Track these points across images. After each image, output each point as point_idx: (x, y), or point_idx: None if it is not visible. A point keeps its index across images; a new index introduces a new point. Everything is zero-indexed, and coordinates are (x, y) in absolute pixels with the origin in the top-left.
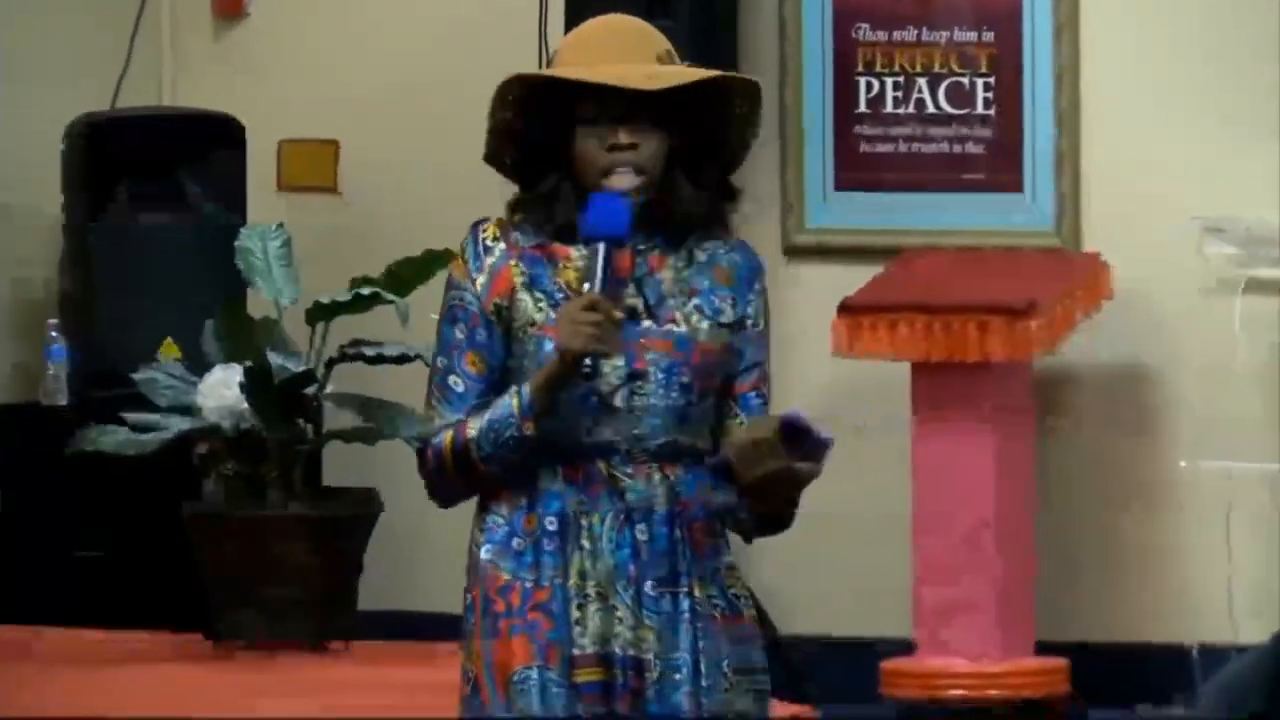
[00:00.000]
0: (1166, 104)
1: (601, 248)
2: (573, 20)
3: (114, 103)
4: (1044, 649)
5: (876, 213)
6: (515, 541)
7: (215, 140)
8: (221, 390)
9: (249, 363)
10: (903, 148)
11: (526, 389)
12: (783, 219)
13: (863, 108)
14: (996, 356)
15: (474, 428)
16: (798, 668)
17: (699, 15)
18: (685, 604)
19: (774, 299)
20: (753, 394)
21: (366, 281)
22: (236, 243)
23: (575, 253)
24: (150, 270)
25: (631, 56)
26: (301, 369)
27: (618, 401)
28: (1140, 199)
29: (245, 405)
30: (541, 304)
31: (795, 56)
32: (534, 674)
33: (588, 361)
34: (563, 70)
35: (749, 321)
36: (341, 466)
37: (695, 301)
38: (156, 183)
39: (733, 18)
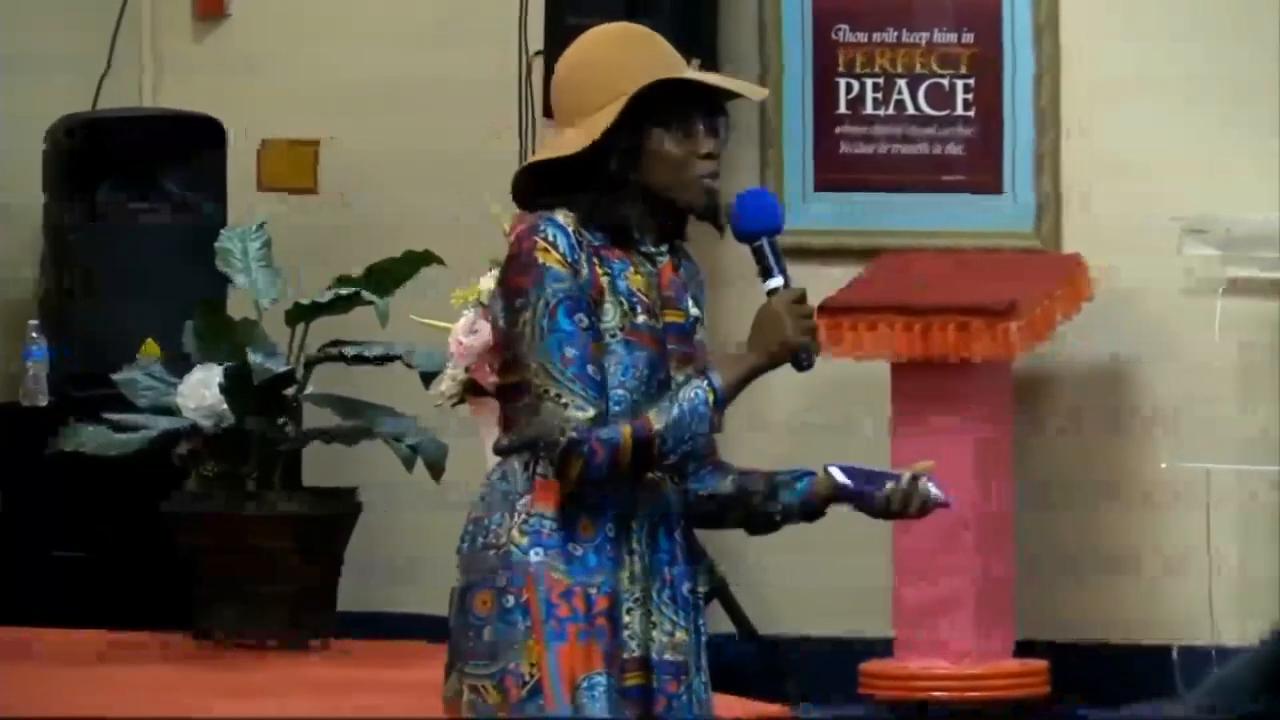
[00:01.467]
0: (1146, 105)
1: (768, 242)
2: (552, 21)
3: (95, 103)
4: (1023, 649)
5: (857, 213)
6: (571, 546)
7: (196, 140)
8: (202, 390)
9: (229, 363)
10: (883, 149)
11: (718, 383)
12: None
13: (843, 109)
14: (976, 357)
15: (660, 421)
16: (778, 667)
17: (680, 16)
18: (692, 603)
19: (753, 299)
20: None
21: (347, 282)
22: (217, 243)
23: (636, 257)
24: (131, 270)
25: (685, 66)
26: (282, 369)
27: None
28: (1120, 200)
29: (225, 405)
30: (621, 308)
31: (775, 58)
32: (603, 680)
33: (805, 356)
34: (683, 73)
35: (701, 323)
36: (321, 466)
37: (689, 299)
38: (138, 183)
39: (713, 18)
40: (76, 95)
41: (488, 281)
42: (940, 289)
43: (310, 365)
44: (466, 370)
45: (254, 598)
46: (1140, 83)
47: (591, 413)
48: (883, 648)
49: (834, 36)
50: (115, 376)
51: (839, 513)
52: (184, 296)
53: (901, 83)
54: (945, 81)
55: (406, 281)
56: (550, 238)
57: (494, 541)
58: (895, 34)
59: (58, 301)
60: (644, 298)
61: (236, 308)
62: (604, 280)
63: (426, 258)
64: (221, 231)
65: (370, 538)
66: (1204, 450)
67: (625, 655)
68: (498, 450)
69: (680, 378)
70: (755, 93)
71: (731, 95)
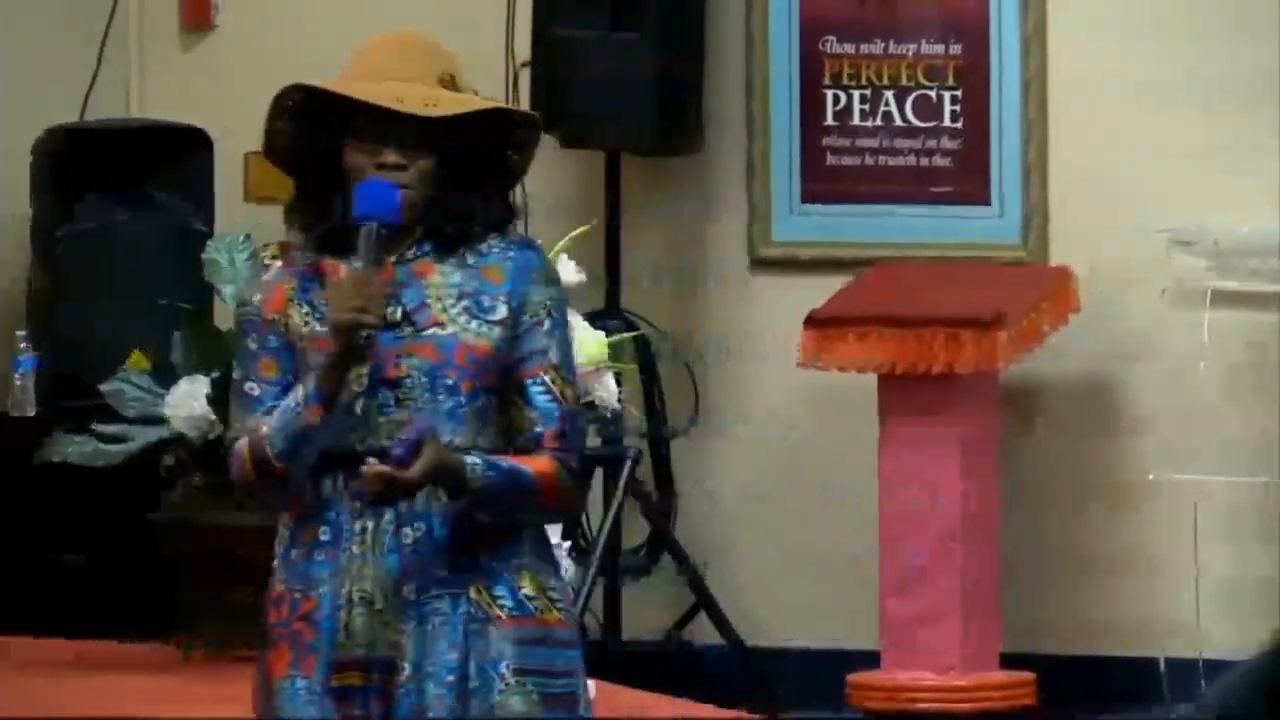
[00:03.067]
0: (1134, 116)
1: (371, 228)
2: (540, 32)
3: (83, 114)
4: (1010, 661)
5: (844, 225)
6: (293, 553)
7: (183, 151)
8: (189, 401)
9: (216, 373)
10: (870, 160)
11: (310, 378)
12: (749, 231)
13: (830, 120)
14: (964, 368)
15: (267, 425)
16: (763, 678)
17: (666, 28)
18: (462, 605)
19: (741, 311)
20: (531, 381)
21: None
22: (204, 254)
23: (345, 268)
24: (118, 280)
25: (414, 76)
26: None
27: (382, 409)
28: (1108, 211)
29: (213, 416)
30: (309, 317)
31: (762, 69)
32: (293, 682)
33: (364, 334)
34: (342, 85)
35: (526, 314)
36: None
37: (464, 303)
38: (125, 193)
39: (700, 30)
40: (64, 106)
41: None
42: (927, 300)
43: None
44: None
45: (239, 608)
46: (1128, 94)
47: (243, 425)
48: (870, 659)
49: (821, 48)
50: (103, 386)
51: (828, 526)
52: (171, 306)
53: (889, 94)
54: (932, 93)
55: None
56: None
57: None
58: (882, 45)
59: (45, 311)
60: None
61: (223, 318)
62: (289, 294)
63: None
64: (208, 242)
65: None
66: (1191, 461)
67: (339, 656)
68: None
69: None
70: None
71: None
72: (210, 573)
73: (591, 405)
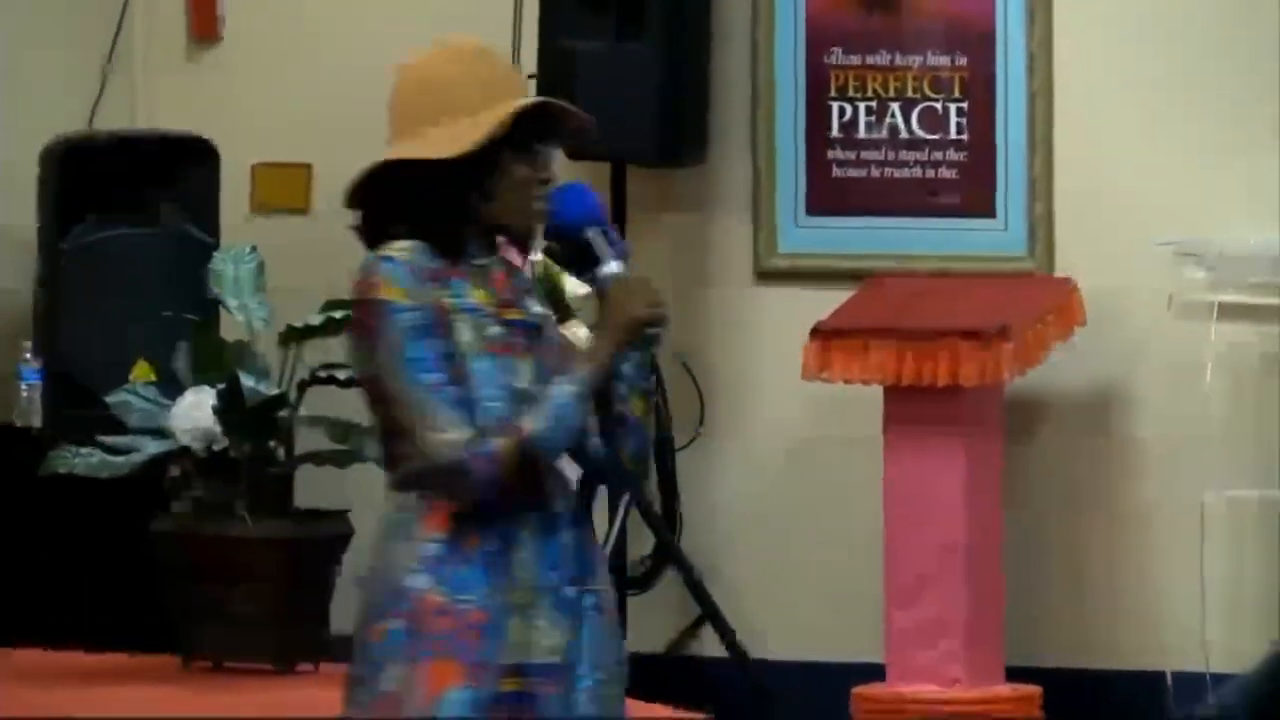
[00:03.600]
0: (1139, 128)
1: (602, 230)
2: (545, 44)
3: (90, 125)
4: (1014, 674)
5: (849, 237)
6: (452, 565)
7: (189, 162)
8: (194, 413)
9: (221, 385)
10: (875, 172)
11: (580, 374)
12: (755, 243)
13: (835, 132)
14: (968, 381)
15: (532, 424)
16: (767, 691)
17: (672, 39)
18: (589, 600)
19: (746, 322)
20: None
21: (338, 304)
22: (210, 265)
23: (468, 271)
24: (124, 292)
25: (522, 88)
26: (274, 392)
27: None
28: (1113, 223)
29: (218, 428)
30: (468, 323)
31: (768, 80)
32: (462, 693)
33: (656, 329)
34: (526, 102)
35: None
36: (313, 489)
37: (536, 307)
38: (131, 204)
39: (706, 42)
40: (71, 116)
41: None
42: (932, 313)
43: (302, 388)
44: None
45: (243, 620)
46: (1134, 107)
47: (466, 431)
48: (874, 672)
49: (826, 60)
50: (108, 398)
51: (833, 538)
52: (176, 318)
53: (894, 106)
54: (938, 105)
55: None
56: (386, 274)
57: (389, 573)
58: (888, 57)
59: (51, 322)
60: (489, 309)
61: (228, 329)
62: (448, 302)
63: None
64: (214, 254)
65: (362, 561)
66: (1197, 474)
67: (501, 663)
68: (390, 487)
69: (527, 369)
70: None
71: (573, 129)
72: (212, 584)
73: None
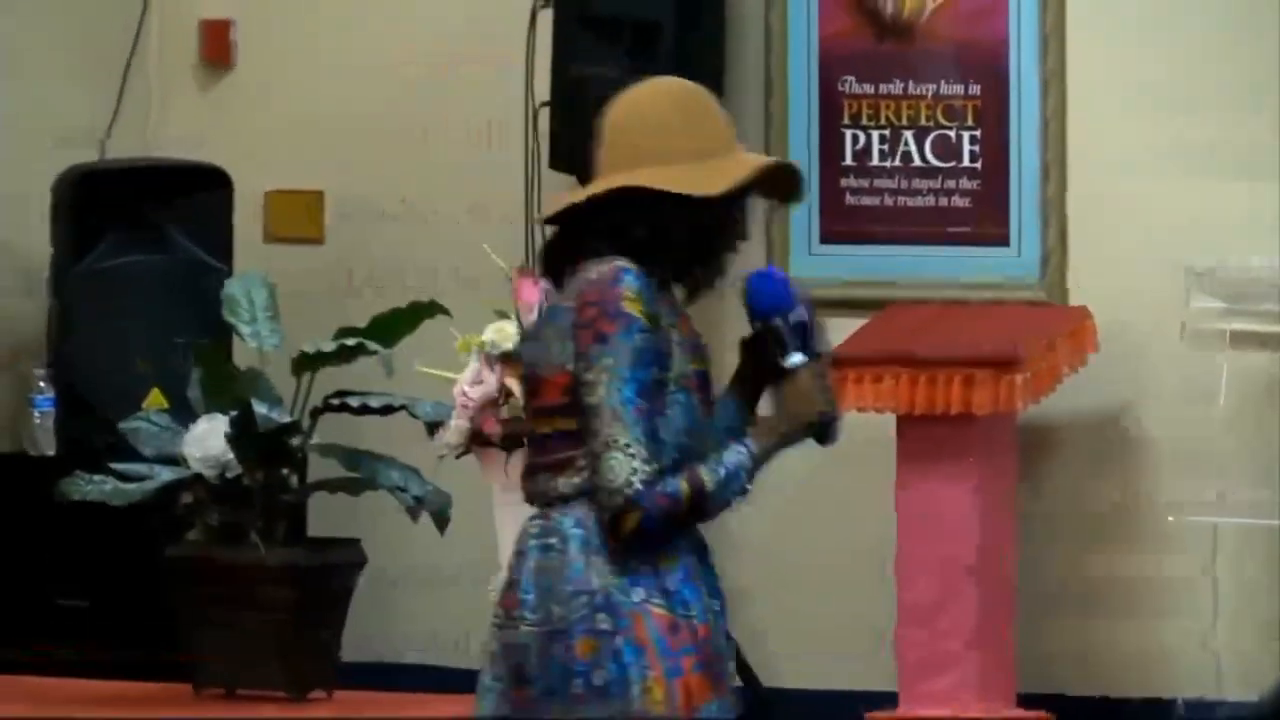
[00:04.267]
0: (1152, 157)
1: (793, 322)
2: (558, 71)
3: (102, 153)
4: (1026, 700)
5: (862, 265)
6: (664, 580)
7: (202, 190)
8: (207, 440)
9: (234, 413)
10: (888, 200)
11: (754, 447)
12: None
13: (849, 160)
14: (981, 409)
15: (711, 480)
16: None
17: (684, 66)
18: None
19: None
20: None
21: (350, 332)
22: (223, 292)
23: (673, 305)
24: (137, 319)
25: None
26: (286, 419)
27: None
28: (1126, 251)
29: (230, 455)
30: (681, 356)
31: (781, 108)
32: (715, 706)
33: (831, 430)
34: (773, 161)
35: None
36: (326, 517)
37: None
38: (144, 232)
39: (719, 69)
40: (83, 145)
41: (492, 332)
42: (945, 341)
43: (315, 415)
44: (471, 421)
45: (256, 648)
46: (1147, 134)
47: (653, 465)
48: (887, 700)
49: (840, 88)
50: (121, 425)
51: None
52: (189, 345)
53: (908, 134)
54: (951, 133)
55: (411, 332)
56: (635, 289)
57: (585, 588)
58: (901, 85)
59: (64, 349)
60: (690, 345)
61: (241, 357)
62: (672, 334)
63: (431, 308)
64: (227, 281)
65: (375, 588)
66: (1209, 502)
67: (723, 674)
68: (551, 495)
69: (702, 412)
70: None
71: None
72: (225, 611)
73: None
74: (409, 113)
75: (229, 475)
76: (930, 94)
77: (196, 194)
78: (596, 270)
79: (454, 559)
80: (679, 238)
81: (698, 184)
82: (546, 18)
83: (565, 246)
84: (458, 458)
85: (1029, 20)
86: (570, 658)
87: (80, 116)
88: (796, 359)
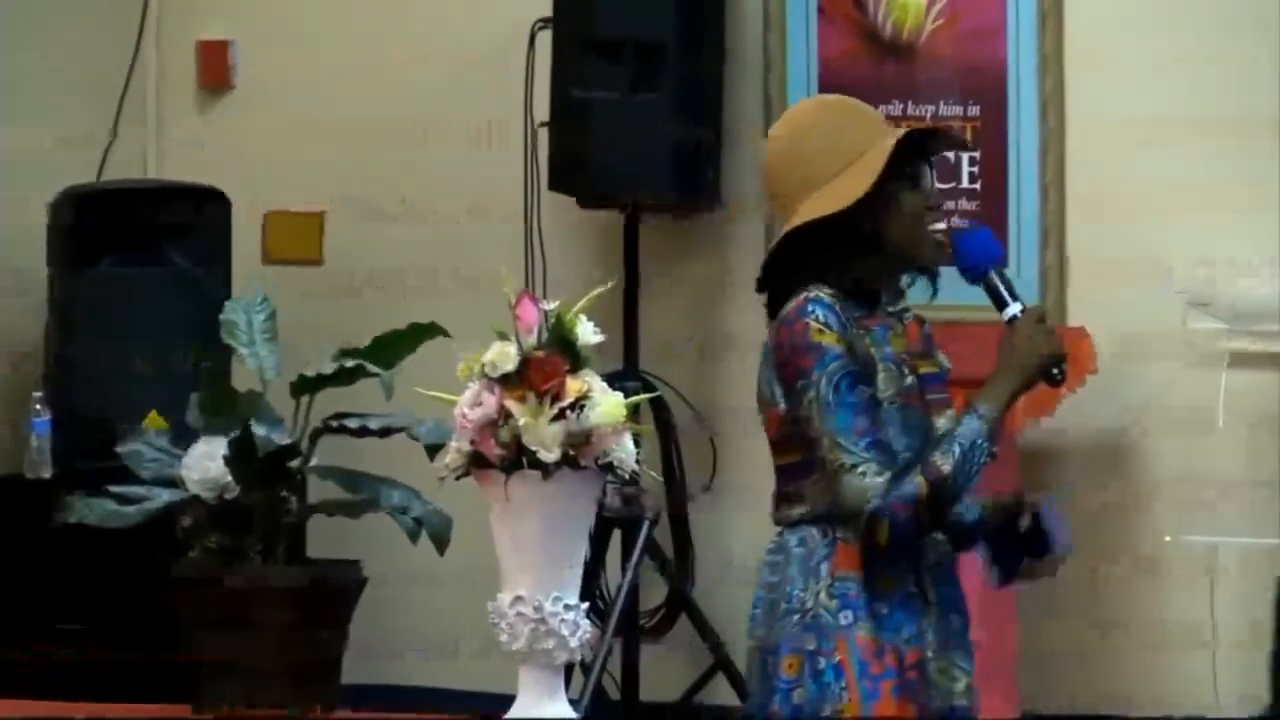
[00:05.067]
0: (1152, 177)
1: (996, 274)
2: (558, 93)
3: (100, 174)
4: None
5: None
6: (877, 605)
7: (201, 212)
8: (206, 463)
9: (233, 435)
10: None
11: (986, 409)
12: None
13: None
14: None
15: (946, 463)
16: None
17: (684, 90)
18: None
19: (757, 371)
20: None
21: (350, 354)
22: (222, 315)
23: (886, 319)
24: (136, 342)
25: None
26: (286, 441)
27: None
28: (1125, 272)
29: (229, 478)
30: (891, 374)
31: None
32: None
33: (1057, 371)
34: (899, 131)
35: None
36: (326, 538)
37: (943, 359)
38: (142, 254)
39: (718, 91)
40: (81, 166)
41: (492, 354)
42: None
43: (314, 437)
44: (471, 443)
45: (257, 671)
46: (1147, 156)
47: (885, 476)
48: None
49: None
50: (119, 448)
51: None
52: (188, 367)
53: None
54: (950, 154)
55: (411, 353)
56: (821, 318)
57: (798, 607)
58: (900, 107)
59: (62, 373)
60: (907, 359)
61: (241, 379)
62: (871, 350)
63: (431, 330)
64: (226, 303)
65: (375, 610)
66: (1208, 522)
67: (935, 705)
68: (784, 522)
69: (942, 421)
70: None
71: (951, 143)
72: (225, 633)
73: (610, 467)
74: (408, 134)
75: (228, 497)
76: (930, 115)
77: (195, 215)
78: (788, 308)
79: (455, 580)
80: (853, 249)
81: (840, 197)
82: (546, 39)
83: (773, 289)
84: (458, 479)
85: (1028, 42)
86: (776, 674)
87: (79, 137)
88: (1015, 308)
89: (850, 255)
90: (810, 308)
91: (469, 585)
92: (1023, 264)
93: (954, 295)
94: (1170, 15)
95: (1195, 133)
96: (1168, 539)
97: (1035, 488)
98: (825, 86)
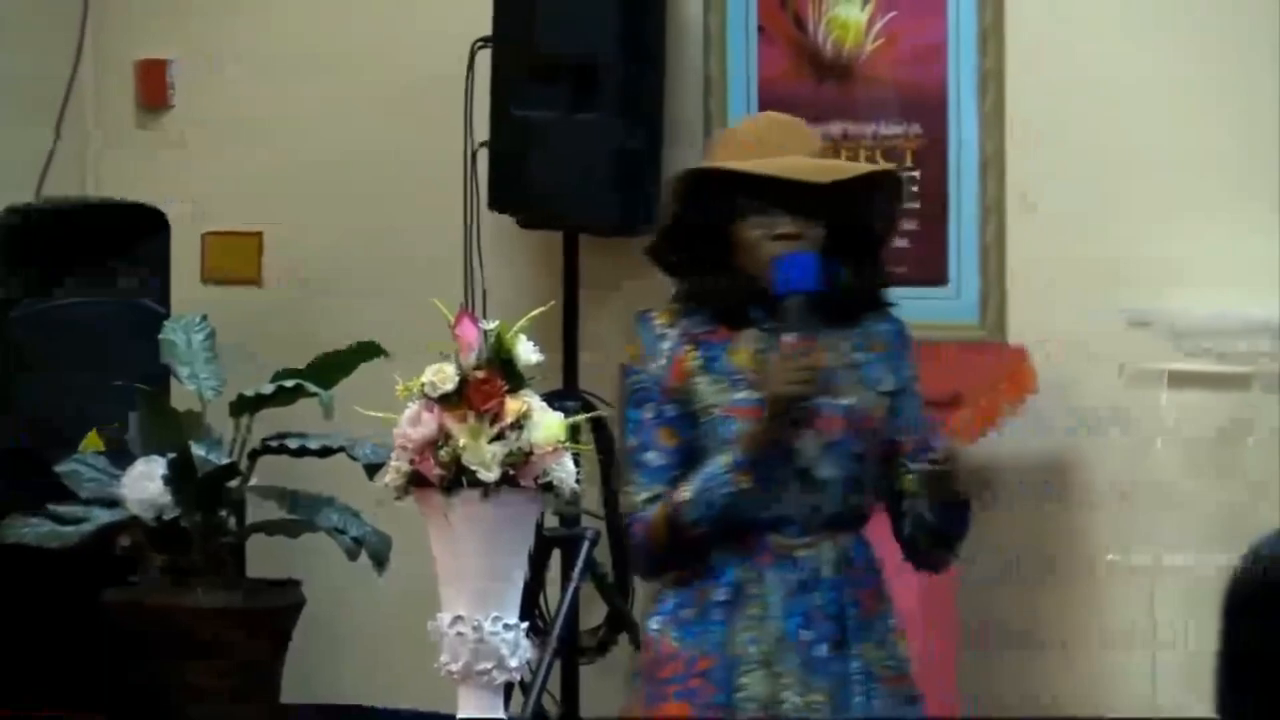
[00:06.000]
0: (1091, 197)
1: (799, 302)
2: (498, 112)
3: (38, 193)
4: None
5: None
6: (683, 612)
7: (140, 231)
8: (145, 483)
9: (173, 455)
10: None
11: (735, 446)
12: None
13: None
14: None
15: (687, 491)
16: None
17: (623, 108)
18: (855, 665)
19: None
20: (922, 450)
21: (289, 374)
22: (161, 334)
23: (743, 334)
24: (74, 361)
25: (794, 149)
26: (225, 461)
27: (787, 478)
28: (1065, 291)
29: (168, 498)
30: (719, 386)
31: None
32: None
33: (803, 405)
34: (737, 163)
35: (906, 386)
36: (266, 557)
37: (858, 374)
38: (82, 273)
39: (659, 111)
40: (19, 185)
41: (431, 374)
42: None
43: (253, 457)
44: (411, 463)
45: (196, 691)
46: (1086, 176)
47: (641, 495)
48: None
49: None
50: (58, 467)
51: None
52: (127, 388)
53: None
54: None
55: (350, 373)
56: (636, 333)
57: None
58: (841, 126)
59: (3, 392)
60: (751, 374)
61: (180, 399)
62: (693, 364)
63: (370, 349)
64: (165, 323)
65: (314, 630)
66: (1149, 541)
67: (741, 716)
68: None
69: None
70: (819, 176)
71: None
72: (165, 654)
73: (549, 487)
74: (347, 154)
75: (166, 518)
76: (870, 135)
77: (134, 235)
78: None
79: (394, 600)
80: (691, 267)
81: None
82: (486, 59)
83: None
84: (397, 499)
85: (968, 61)
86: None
87: (16, 157)
88: (785, 339)
89: (690, 271)
90: (635, 325)
91: (408, 605)
92: (963, 283)
93: (898, 314)
94: (1111, 34)
95: (1137, 154)
96: (1109, 557)
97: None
98: (765, 105)
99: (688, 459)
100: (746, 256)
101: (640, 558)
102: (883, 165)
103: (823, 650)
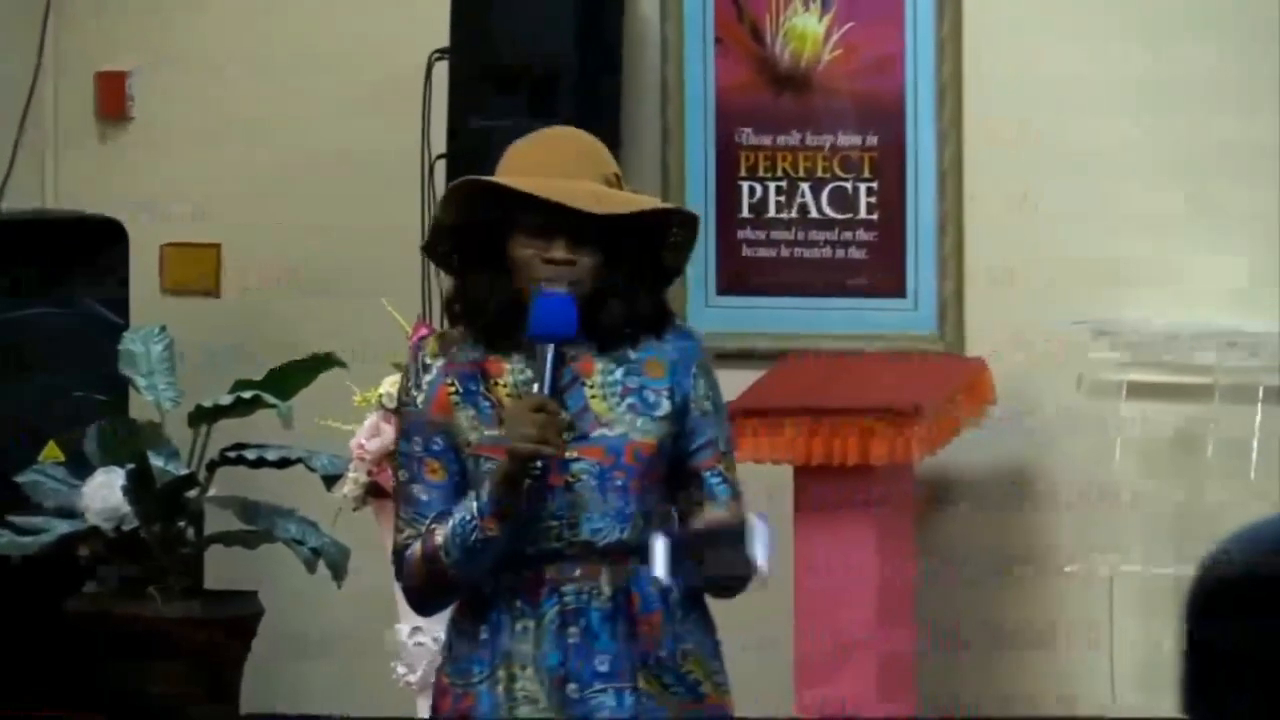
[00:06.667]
0: (1050, 208)
1: (550, 349)
2: (455, 124)
3: None
4: None
5: (759, 317)
6: (456, 647)
7: (99, 242)
8: (104, 493)
9: (131, 465)
10: (785, 252)
11: (484, 490)
12: None
13: (745, 212)
14: (879, 460)
15: (440, 534)
16: None
17: (581, 117)
18: (628, 699)
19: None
20: (709, 472)
21: (247, 385)
22: (120, 345)
23: (509, 367)
24: (33, 372)
25: (579, 173)
26: (183, 472)
27: (554, 514)
28: (1023, 302)
29: (127, 508)
30: (475, 422)
31: (678, 160)
32: None
33: (537, 463)
34: (512, 179)
35: (692, 404)
36: (222, 569)
37: (629, 401)
38: (40, 284)
39: (615, 120)
40: None
41: (388, 385)
42: (842, 392)
43: (212, 468)
44: (369, 473)
45: (155, 701)
46: (1044, 185)
47: (407, 532)
48: None
49: (737, 140)
50: (18, 478)
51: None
52: (86, 399)
53: (804, 186)
54: (848, 185)
55: (309, 384)
56: (405, 365)
57: None
58: (799, 137)
59: None
60: (503, 412)
61: (139, 409)
62: (452, 398)
63: (328, 360)
64: (124, 334)
65: (273, 640)
66: (1106, 550)
67: None
68: None
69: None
70: (589, 205)
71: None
72: (123, 664)
73: None
74: (307, 164)
75: (126, 528)
76: (828, 145)
77: (93, 246)
78: None
79: (353, 610)
80: (465, 289)
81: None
82: (443, 70)
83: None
84: (355, 510)
85: (925, 71)
86: None
87: None
88: (534, 388)
89: (462, 271)
90: (407, 353)
91: (367, 615)
92: (920, 294)
93: (848, 326)
94: (1071, 42)
95: (1096, 166)
96: (1067, 569)
97: (933, 518)
98: (723, 116)
99: (457, 492)
100: (518, 273)
101: (409, 595)
102: (672, 205)
103: (576, 690)
